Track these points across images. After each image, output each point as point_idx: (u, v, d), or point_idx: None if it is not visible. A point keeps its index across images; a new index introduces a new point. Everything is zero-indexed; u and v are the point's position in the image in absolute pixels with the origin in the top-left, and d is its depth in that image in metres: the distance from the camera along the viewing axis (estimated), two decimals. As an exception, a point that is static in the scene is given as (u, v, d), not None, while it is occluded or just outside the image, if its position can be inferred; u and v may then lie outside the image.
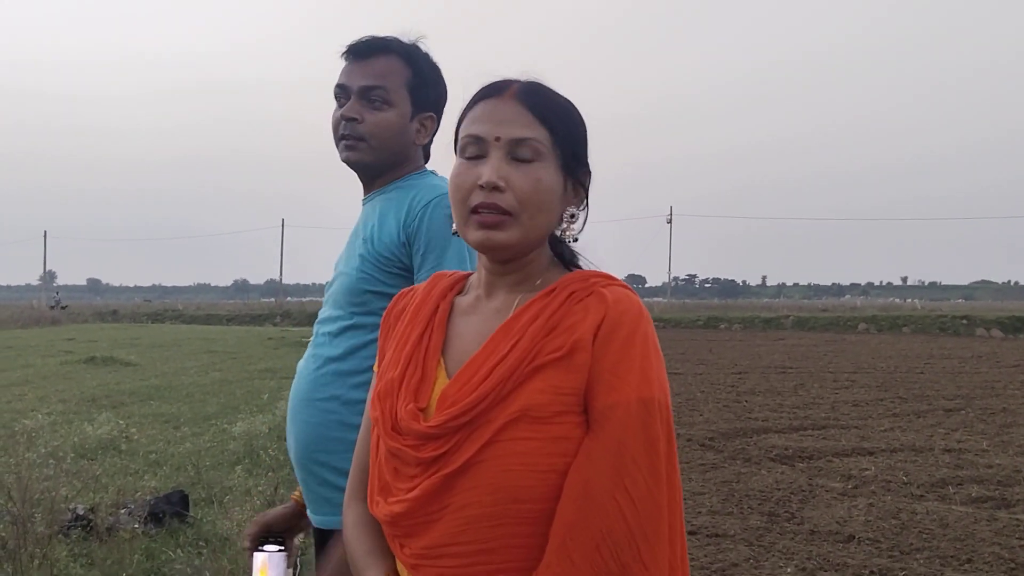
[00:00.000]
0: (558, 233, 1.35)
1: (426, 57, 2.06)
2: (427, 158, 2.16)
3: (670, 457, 1.20)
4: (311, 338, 2.08)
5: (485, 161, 1.27)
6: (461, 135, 1.31)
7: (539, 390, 1.18)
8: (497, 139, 1.27)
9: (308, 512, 2.01)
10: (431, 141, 2.13)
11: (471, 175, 1.27)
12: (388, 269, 1.94)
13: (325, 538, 1.96)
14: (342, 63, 2.04)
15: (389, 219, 1.96)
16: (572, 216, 1.34)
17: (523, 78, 1.33)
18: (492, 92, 1.31)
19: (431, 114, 2.08)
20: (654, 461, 1.17)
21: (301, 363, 2.06)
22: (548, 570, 1.15)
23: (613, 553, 1.13)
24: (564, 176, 1.31)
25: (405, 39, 2.04)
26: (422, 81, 2.03)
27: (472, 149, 1.29)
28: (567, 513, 1.15)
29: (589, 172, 1.36)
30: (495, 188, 1.25)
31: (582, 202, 1.36)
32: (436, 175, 2.09)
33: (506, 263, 1.32)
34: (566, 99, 1.34)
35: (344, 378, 1.93)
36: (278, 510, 2.11)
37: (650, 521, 1.15)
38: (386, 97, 1.99)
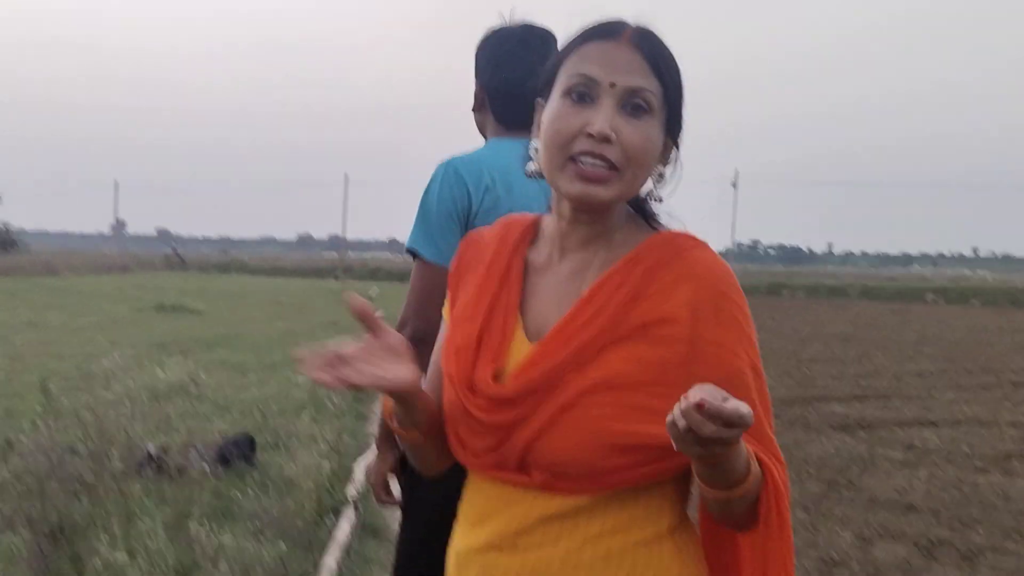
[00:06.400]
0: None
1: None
2: (500, 119, 2.17)
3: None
4: None
5: (594, 107, 1.18)
6: (569, 72, 1.21)
7: (622, 359, 1.16)
8: (612, 85, 1.18)
9: None
10: (480, 106, 2.21)
11: (577, 120, 1.18)
12: None
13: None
14: None
15: None
16: (660, 176, 1.27)
17: (634, 22, 1.23)
18: (606, 34, 1.21)
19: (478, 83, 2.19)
20: (770, 420, 1.22)
21: None
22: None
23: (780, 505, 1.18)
24: (664, 134, 1.23)
25: None
26: None
27: (581, 90, 1.19)
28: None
29: (680, 134, 1.27)
30: (605, 139, 1.16)
31: (669, 162, 1.28)
32: (484, 146, 2.17)
33: (590, 213, 1.24)
34: (673, 51, 1.24)
35: None
36: None
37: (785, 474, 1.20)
38: None
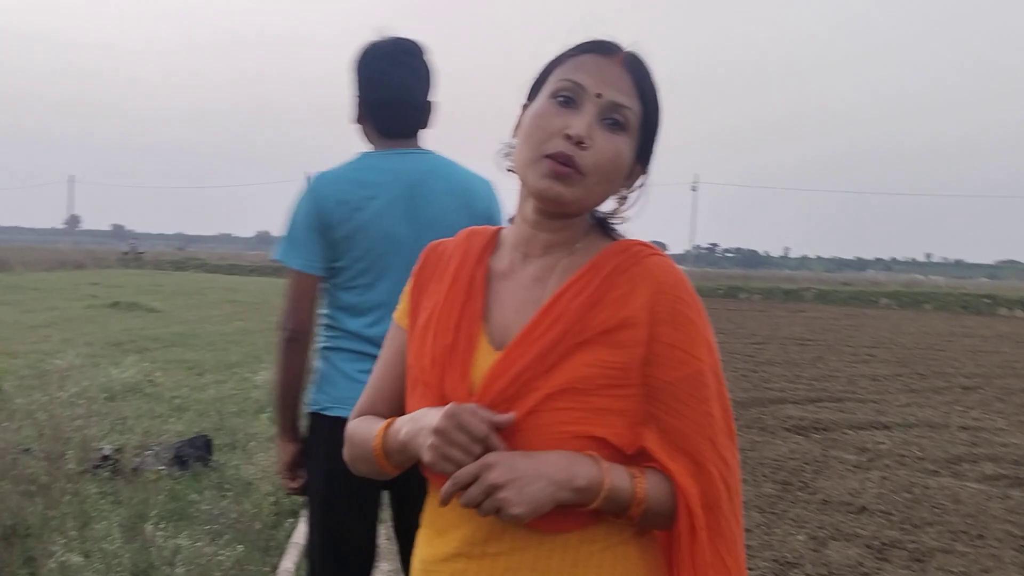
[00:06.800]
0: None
1: None
2: (380, 130, 2.30)
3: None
4: None
5: (576, 112, 1.24)
6: (559, 77, 1.27)
7: (585, 363, 1.19)
8: (599, 96, 1.24)
9: None
10: (360, 117, 2.33)
11: (559, 121, 1.24)
12: None
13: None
14: None
15: None
16: (624, 199, 1.33)
17: (628, 47, 1.29)
18: (601, 49, 1.28)
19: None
20: (730, 423, 1.26)
21: None
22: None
23: (725, 512, 1.22)
24: (635, 158, 1.30)
25: None
26: None
27: (567, 94, 1.25)
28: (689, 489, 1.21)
29: (650, 161, 1.33)
30: (580, 142, 1.22)
31: (635, 187, 1.33)
32: (350, 160, 2.28)
33: (552, 219, 1.30)
34: (658, 82, 1.31)
35: None
36: None
37: (738, 474, 1.25)
38: None
